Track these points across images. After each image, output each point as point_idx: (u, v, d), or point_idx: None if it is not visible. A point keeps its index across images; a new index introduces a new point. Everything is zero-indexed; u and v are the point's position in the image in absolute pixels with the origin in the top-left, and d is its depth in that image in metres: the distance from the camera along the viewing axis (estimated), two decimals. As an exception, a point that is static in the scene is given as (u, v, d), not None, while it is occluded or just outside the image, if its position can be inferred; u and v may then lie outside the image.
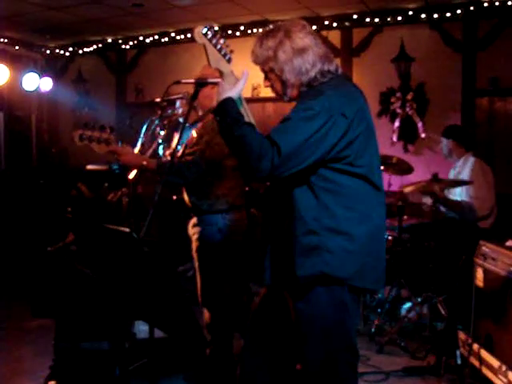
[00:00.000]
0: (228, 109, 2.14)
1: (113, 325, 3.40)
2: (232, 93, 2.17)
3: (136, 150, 3.53)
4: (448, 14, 6.31)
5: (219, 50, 2.16)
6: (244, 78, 2.21)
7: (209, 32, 2.14)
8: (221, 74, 2.20)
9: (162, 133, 3.59)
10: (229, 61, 2.18)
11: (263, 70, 2.36)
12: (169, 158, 3.49)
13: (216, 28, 2.17)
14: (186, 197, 3.58)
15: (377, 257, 2.25)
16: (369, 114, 2.28)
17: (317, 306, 2.23)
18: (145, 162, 3.26)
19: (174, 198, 6.25)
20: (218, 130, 2.20)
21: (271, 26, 2.31)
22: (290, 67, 2.24)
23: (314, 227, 2.15)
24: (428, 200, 4.80)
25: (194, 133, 3.59)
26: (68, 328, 3.48)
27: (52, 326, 3.54)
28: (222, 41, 2.16)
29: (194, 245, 3.53)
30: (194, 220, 3.61)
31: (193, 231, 3.58)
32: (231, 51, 2.18)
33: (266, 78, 2.36)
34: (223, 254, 3.46)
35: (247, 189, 3.80)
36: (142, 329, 4.16)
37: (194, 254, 3.55)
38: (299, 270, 2.17)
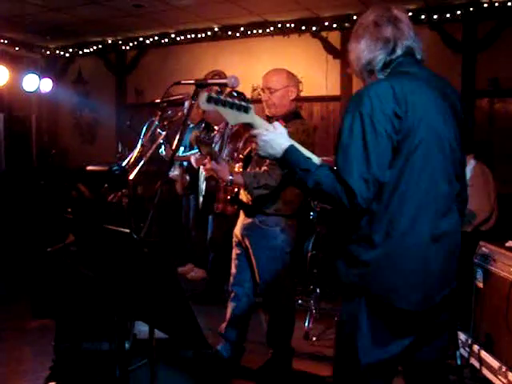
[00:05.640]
0: (293, 160, 2.04)
1: (113, 325, 3.41)
2: (282, 138, 2.08)
3: (136, 152, 3.54)
4: (448, 15, 6.32)
5: (231, 107, 2.04)
6: (278, 125, 2.12)
7: (212, 96, 2.04)
8: (251, 126, 2.09)
9: (163, 134, 3.60)
10: (247, 110, 2.05)
11: None
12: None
13: (218, 89, 2.10)
14: (244, 197, 3.60)
15: (419, 271, 1.97)
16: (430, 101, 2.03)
17: (340, 315, 2.22)
18: (231, 177, 3.38)
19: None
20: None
21: None
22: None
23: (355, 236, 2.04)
24: None
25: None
26: (68, 328, 3.49)
27: (52, 327, 3.55)
28: (229, 96, 2.06)
29: (250, 244, 3.62)
30: (247, 219, 3.65)
31: (249, 231, 3.64)
32: (245, 99, 2.06)
33: None
34: (285, 252, 3.61)
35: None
36: (142, 329, 4.17)
37: (251, 253, 3.63)
38: (342, 277, 2.10)
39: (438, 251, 2.00)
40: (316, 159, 2.08)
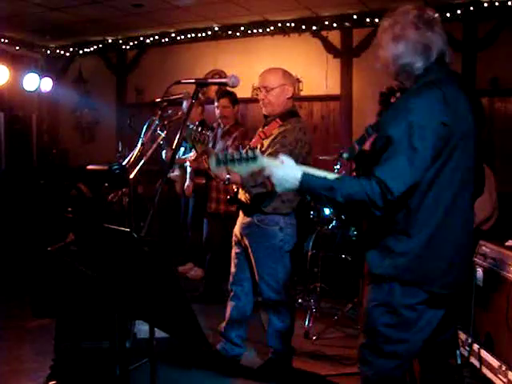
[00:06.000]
0: (312, 185, 2.12)
1: (113, 324, 3.41)
2: (293, 170, 2.13)
3: (136, 151, 3.55)
4: (448, 14, 6.31)
5: (240, 161, 2.12)
6: (284, 158, 2.17)
7: (219, 158, 2.12)
8: (262, 171, 2.16)
9: (162, 134, 3.60)
10: (254, 159, 2.12)
11: None
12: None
13: (225, 153, 2.16)
14: (242, 196, 3.60)
15: (448, 260, 2.16)
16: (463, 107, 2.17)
17: (366, 302, 2.30)
18: (228, 176, 3.34)
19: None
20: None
21: None
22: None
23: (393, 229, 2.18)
24: None
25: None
26: (68, 328, 3.49)
27: (52, 326, 3.55)
28: (235, 152, 2.13)
29: (249, 243, 3.63)
30: (246, 219, 3.66)
31: (247, 231, 3.64)
32: (250, 148, 2.16)
33: None
34: (284, 251, 3.61)
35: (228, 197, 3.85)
36: (142, 328, 4.17)
37: (250, 252, 3.64)
38: (375, 269, 2.23)
39: (466, 237, 2.23)
40: (330, 175, 2.16)
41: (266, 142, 3.55)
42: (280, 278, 3.62)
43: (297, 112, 3.69)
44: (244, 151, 2.15)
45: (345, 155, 4.94)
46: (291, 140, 3.43)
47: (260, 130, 3.67)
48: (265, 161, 2.15)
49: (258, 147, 3.61)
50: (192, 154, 5.11)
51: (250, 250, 3.64)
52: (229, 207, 4.92)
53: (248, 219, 3.63)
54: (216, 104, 5.30)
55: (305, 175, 2.11)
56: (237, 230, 3.77)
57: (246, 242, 3.65)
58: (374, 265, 2.22)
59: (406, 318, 2.18)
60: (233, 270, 3.82)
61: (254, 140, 3.71)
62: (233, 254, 3.83)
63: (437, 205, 2.11)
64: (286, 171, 2.13)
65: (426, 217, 2.11)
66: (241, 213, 3.75)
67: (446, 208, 2.12)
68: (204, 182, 5.40)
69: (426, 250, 2.12)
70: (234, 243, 3.83)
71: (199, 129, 3.33)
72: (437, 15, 2.27)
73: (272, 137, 3.50)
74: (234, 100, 5.33)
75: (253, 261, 3.64)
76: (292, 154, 3.39)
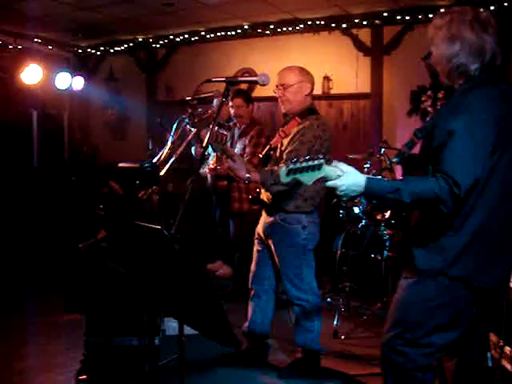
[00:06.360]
0: (377, 189, 2.14)
1: (142, 321, 3.44)
2: (355, 177, 2.14)
3: (166, 149, 3.57)
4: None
5: (307, 170, 2.12)
6: (343, 166, 2.18)
7: (290, 166, 2.13)
8: (325, 179, 2.16)
9: (194, 130, 3.62)
10: (320, 167, 2.12)
11: None
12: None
13: (291, 163, 2.14)
14: (264, 195, 3.62)
15: (494, 256, 2.21)
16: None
17: (404, 295, 2.31)
18: (248, 175, 3.35)
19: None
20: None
21: None
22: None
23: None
24: None
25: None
26: (98, 323, 3.53)
27: (82, 322, 3.59)
28: (301, 160, 2.13)
29: (273, 242, 3.64)
30: (269, 218, 3.67)
31: (271, 230, 3.65)
32: (314, 158, 2.13)
33: None
34: (307, 249, 3.62)
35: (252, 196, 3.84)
36: (170, 325, 4.20)
37: (274, 251, 3.65)
38: (422, 264, 2.25)
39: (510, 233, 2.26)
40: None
41: (285, 141, 3.56)
42: (304, 277, 3.61)
43: (316, 109, 3.68)
44: (311, 160, 2.13)
45: (394, 160, 4.91)
46: (310, 137, 3.44)
47: (280, 128, 3.68)
48: (328, 170, 2.15)
49: (278, 146, 3.62)
50: (211, 162, 5.12)
51: (273, 249, 3.64)
52: (252, 205, 4.93)
53: (271, 218, 3.64)
54: (230, 104, 5.29)
55: (368, 180, 2.13)
56: (260, 229, 3.77)
57: (270, 242, 3.65)
58: (421, 260, 2.24)
59: (447, 312, 2.22)
60: (253, 268, 3.83)
61: (274, 139, 3.73)
62: (254, 251, 3.84)
63: (489, 202, 2.15)
64: (351, 180, 2.14)
65: (478, 214, 2.15)
66: (264, 212, 3.76)
67: (494, 206, 2.16)
68: (226, 183, 5.42)
69: (473, 245, 2.17)
70: (255, 241, 3.84)
71: (216, 128, 3.33)
72: (491, 16, 2.35)
73: (291, 135, 3.51)
74: (247, 99, 5.32)
75: (277, 260, 3.64)
76: (311, 151, 3.39)
